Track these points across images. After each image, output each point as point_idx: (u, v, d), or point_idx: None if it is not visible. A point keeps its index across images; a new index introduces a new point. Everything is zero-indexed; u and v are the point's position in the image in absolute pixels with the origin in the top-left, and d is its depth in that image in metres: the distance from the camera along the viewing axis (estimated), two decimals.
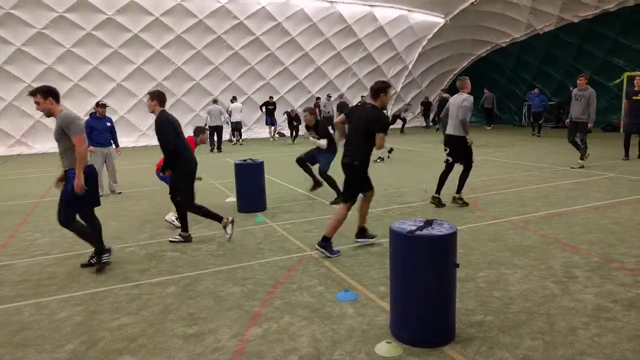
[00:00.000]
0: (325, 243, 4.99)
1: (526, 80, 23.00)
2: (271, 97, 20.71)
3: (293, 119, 19.66)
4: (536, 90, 19.31)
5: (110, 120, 9.31)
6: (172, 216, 6.58)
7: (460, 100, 6.83)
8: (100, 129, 8.94)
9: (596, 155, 11.48)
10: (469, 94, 6.92)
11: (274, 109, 20.46)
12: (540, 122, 18.50)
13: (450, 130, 7.05)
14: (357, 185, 5.14)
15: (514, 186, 8.47)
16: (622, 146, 11.26)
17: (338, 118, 5.82)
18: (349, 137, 5.19)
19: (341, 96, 21.46)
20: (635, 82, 11.09)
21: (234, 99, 18.97)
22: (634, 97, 11.10)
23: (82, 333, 3.49)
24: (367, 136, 5.01)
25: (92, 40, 18.10)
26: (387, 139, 9.40)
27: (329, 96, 21.76)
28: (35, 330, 3.58)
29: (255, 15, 19.93)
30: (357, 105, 5.77)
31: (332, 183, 7.63)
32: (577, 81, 10.04)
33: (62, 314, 3.85)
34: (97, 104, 9.07)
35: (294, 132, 19.87)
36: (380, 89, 5.05)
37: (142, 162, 14.47)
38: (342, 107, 17.11)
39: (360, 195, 5.22)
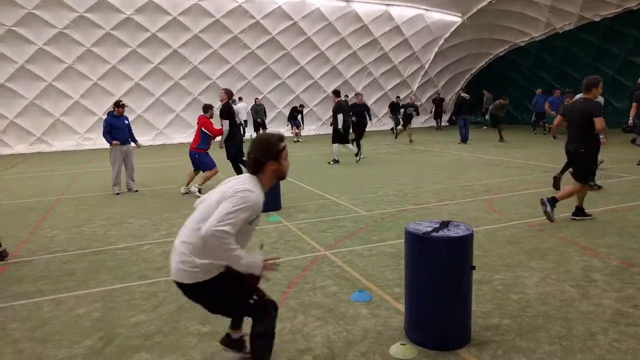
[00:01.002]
0: (579, 211, 6.12)
1: (545, 80, 22.65)
2: (301, 106, 20.81)
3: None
4: (539, 91, 19.49)
5: (128, 119, 9.52)
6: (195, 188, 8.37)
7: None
8: (120, 127, 9.10)
9: (617, 157, 11.26)
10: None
11: (301, 114, 20.62)
12: (544, 121, 18.84)
13: None
14: (585, 169, 6.02)
15: (531, 188, 8.35)
16: None
17: (556, 121, 6.97)
18: (570, 131, 6.16)
19: (356, 95, 21.38)
20: None
21: (239, 100, 19.12)
22: None
23: (100, 329, 3.54)
24: (586, 124, 5.80)
25: (111, 39, 18.38)
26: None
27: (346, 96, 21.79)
28: (54, 325, 3.64)
29: (271, 15, 20.01)
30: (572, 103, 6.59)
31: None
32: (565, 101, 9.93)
33: (80, 310, 3.91)
34: (117, 104, 9.21)
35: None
36: (592, 84, 5.97)
37: (158, 161, 14.64)
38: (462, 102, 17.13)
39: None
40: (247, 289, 2.67)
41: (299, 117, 20.41)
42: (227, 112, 8.92)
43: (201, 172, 8.97)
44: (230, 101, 9.10)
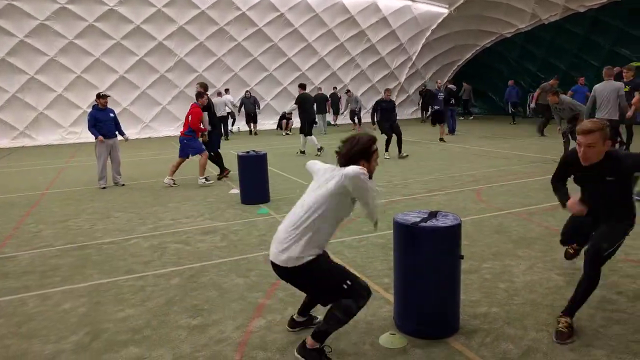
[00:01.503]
0: None
1: (531, 71, 22.82)
2: (290, 113, 20.78)
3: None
4: (511, 83, 20.80)
5: (113, 112, 9.33)
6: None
7: (617, 88, 8.32)
8: (105, 120, 8.96)
9: None
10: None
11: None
12: (516, 110, 20.80)
13: (606, 114, 8.32)
14: None
15: (517, 178, 8.43)
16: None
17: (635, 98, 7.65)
18: None
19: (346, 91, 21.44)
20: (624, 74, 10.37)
21: (226, 92, 18.89)
22: None
23: (87, 324, 3.50)
24: None
25: (95, 31, 18.07)
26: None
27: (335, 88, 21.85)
28: (39, 321, 3.59)
29: (257, 6, 19.83)
30: None
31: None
32: (548, 98, 9.86)
33: (66, 305, 3.86)
34: (99, 95, 9.07)
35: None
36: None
37: (144, 155, 14.49)
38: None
39: None
40: (342, 273, 2.85)
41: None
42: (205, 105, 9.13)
43: (196, 160, 9.19)
44: (206, 94, 9.24)
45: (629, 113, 9.12)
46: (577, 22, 18.90)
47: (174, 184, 8.95)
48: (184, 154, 9.02)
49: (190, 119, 8.77)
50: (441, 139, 14.54)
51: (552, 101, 9.77)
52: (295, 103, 13.01)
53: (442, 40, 24.12)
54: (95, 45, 18.35)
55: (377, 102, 11.90)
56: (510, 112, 20.89)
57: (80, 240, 5.69)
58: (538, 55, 21.97)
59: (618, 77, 12.81)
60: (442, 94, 15.08)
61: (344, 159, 2.82)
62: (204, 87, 9.32)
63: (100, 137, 8.87)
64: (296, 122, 16.90)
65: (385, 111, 11.65)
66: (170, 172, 9.03)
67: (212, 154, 9.36)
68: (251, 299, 3.84)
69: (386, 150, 11.47)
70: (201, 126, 8.93)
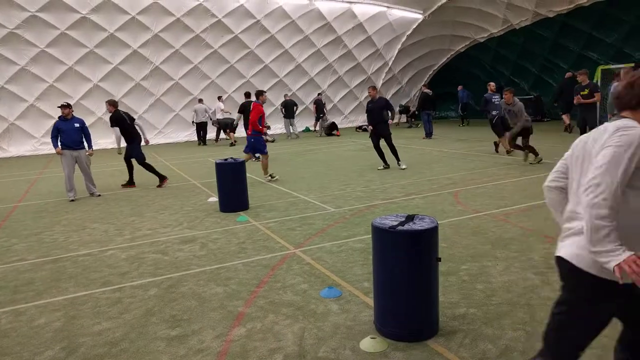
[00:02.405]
0: None
1: (504, 75, 23.32)
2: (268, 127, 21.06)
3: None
4: (460, 87, 22.40)
5: (81, 122, 8.99)
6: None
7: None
8: (67, 131, 8.74)
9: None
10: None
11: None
12: (465, 113, 22.22)
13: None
14: None
15: (494, 180, 8.58)
16: None
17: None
18: None
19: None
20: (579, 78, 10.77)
21: (199, 101, 18.92)
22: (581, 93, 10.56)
23: (62, 339, 3.42)
24: None
25: (67, 40, 17.74)
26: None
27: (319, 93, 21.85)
28: (13, 337, 3.49)
29: (233, 13, 19.78)
30: None
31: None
32: (504, 95, 10.19)
33: (40, 320, 3.76)
34: (61, 105, 8.86)
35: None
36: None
37: (121, 164, 14.24)
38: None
39: None
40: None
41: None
42: (115, 120, 9.62)
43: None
44: (116, 110, 9.72)
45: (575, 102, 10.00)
46: (547, 26, 19.44)
47: (273, 178, 9.65)
48: (256, 151, 9.81)
49: (253, 117, 9.47)
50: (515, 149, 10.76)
51: (507, 100, 10.07)
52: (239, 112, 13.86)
53: (417, 46, 24.47)
54: (67, 53, 18.00)
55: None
56: (460, 114, 22.63)
57: (54, 253, 5.56)
58: (511, 58, 22.49)
59: (572, 82, 13.61)
60: (496, 97, 12.31)
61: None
62: (112, 104, 9.72)
63: (58, 149, 8.69)
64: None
65: (370, 113, 10.27)
66: (265, 172, 9.74)
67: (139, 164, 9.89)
68: (231, 307, 3.80)
69: (382, 160, 10.31)
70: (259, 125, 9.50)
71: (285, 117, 20.21)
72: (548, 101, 20.34)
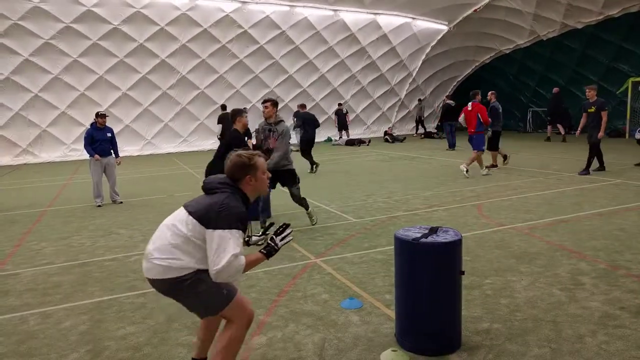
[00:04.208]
0: None
1: (530, 87, 22.98)
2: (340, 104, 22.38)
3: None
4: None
5: (111, 131, 9.29)
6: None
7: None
8: (101, 140, 9.00)
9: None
10: None
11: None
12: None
13: None
14: None
15: (518, 192, 8.43)
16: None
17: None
18: None
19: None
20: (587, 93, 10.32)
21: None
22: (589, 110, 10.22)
23: (88, 342, 3.49)
24: None
25: (98, 50, 18.28)
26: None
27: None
28: (40, 339, 3.58)
29: (259, 24, 20.07)
30: None
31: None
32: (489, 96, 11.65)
33: (67, 322, 3.86)
34: (97, 114, 9.12)
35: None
36: None
37: (146, 171, 14.54)
38: None
39: None
40: None
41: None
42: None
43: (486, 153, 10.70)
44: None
45: (600, 134, 9.90)
46: (575, 37, 19.11)
47: (467, 172, 10.26)
48: (477, 147, 10.55)
49: (480, 115, 10.34)
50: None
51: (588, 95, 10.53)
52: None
53: (441, 57, 24.35)
54: (98, 63, 18.55)
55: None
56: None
57: (82, 258, 5.69)
58: (537, 70, 22.16)
59: (559, 96, 15.71)
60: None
61: None
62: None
63: (97, 156, 8.91)
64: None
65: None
66: (482, 165, 10.57)
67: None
68: None
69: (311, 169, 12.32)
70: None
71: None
72: (575, 113, 19.94)
